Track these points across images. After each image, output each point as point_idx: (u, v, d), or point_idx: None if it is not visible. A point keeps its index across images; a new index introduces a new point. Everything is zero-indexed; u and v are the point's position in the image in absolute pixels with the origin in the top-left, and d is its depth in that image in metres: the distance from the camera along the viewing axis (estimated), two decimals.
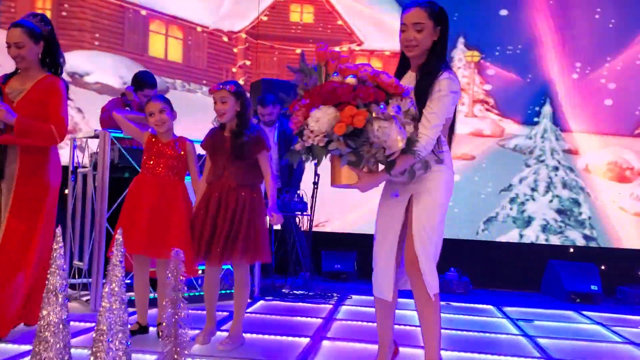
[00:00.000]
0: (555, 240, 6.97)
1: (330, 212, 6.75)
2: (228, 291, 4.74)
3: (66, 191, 4.86)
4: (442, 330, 4.14)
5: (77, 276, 4.58)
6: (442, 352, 3.48)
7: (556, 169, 7.08)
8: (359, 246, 6.52)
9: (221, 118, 3.28)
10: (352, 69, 2.43)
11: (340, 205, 6.57)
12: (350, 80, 2.39)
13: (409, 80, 2.64)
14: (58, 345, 1.90)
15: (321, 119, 2.31)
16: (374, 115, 2.30)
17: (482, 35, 7.16)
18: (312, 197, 5.84)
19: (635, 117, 6.99)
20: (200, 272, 4.83)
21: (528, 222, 7.03)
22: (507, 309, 5.17)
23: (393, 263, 2.66)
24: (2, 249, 3.21)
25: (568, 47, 7.06)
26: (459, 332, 4.12)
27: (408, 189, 2.64)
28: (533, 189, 7.07)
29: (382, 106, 2.32)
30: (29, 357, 1.92)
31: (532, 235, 6.99)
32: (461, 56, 7.19)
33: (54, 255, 1.95)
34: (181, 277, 2.18)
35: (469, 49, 7.18)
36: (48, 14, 6.20)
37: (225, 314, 4.26)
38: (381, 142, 2.31)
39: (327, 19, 7.32)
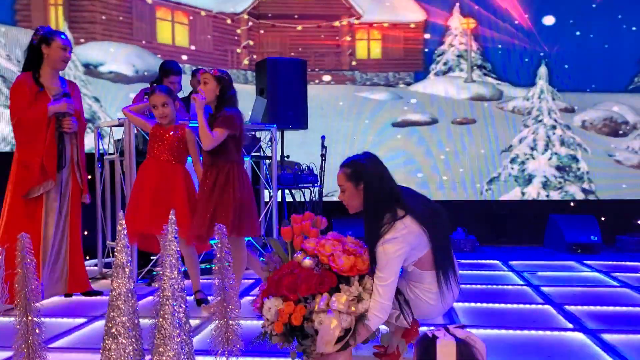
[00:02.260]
0: (555, 195, 7.29)
1: None
2: None
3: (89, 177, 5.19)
4: None
5: (110, 255, 4.92)
6: (455, 304, 3.82)
7: (554, 127, 7.36)
8: None
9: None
10: (311, 249, 2.39)
11: None
12: (307, 263, 2.37)
13: None
14: (129, 311, 2.23)
15: (271, 309, 2.33)
16: (315, 308, 2.27)
17: (477, 1, 7.36)
18: (321, 168, 6.16)
19: (628, 73, 7.23)
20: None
21: (529, 180, 7.33)
22: (513, 263, 5.51)
23: None
24: (72, 222, 3.99)
25: (561, 8, 7.27)
26: (468, 286, 4.45)
27: None
28: (532, 148, 7.36)
29: (323, 299, 2.28)
30: (105, 322, 2.25)
31: (533, 192, 7.31)
32: (457, 24, 7.40)
33: (120, 236, 2.27)
34: (226, 248, 2.51)
35: (464, 16, 7.39)
36: (60, 9, 6.44)
37: (251, 281, 4.62)
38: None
39: None
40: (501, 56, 7.42)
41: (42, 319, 2.32)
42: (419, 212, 2.47)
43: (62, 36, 3.86)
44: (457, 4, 7.38)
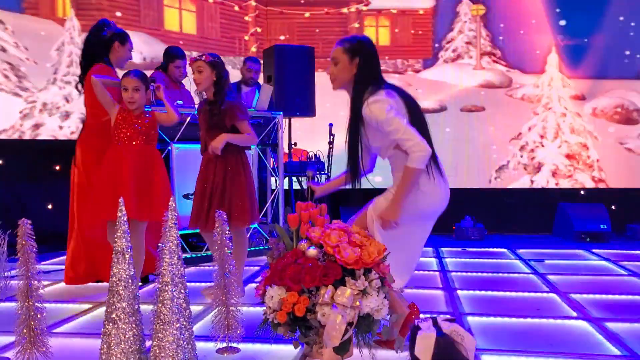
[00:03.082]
0: (565, 184, 7.22)
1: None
2: (256, 248, 5.10)
3: None
4: (459, 273, 4.51)
5: None
6: (459, 292, 3.82)
7: (564, 115, 7.28)
8: None
9: (197, 87, 3.52)
10: (316, 238, 2.37)
11: None
12: (311, 252, 2.34)
13: None
14: (129, 297, 2.24)
15: (274, 298, 2.32)
16: (320, 301, 2.25)
17: None
18: (328, 156, 6.15)
19: None
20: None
21: (538, 168, 7.27)
22: (520, 251, 5.47)
23: None
24: None
25: None
26: (474, 274, 4.45)
27: None
28: (542, 136, 7.29)
29: (327, 292, 2.25)
30: (105, 308, 2.27)
31: (542, 180, 7.25)
32: (467, 10, 7.33)
33: (119, 221, 2.27)
34: (227, 234, 2.52)
35: (474, 2, 7.31)
36: None
37: (257, 268, 4.63)
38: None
39: None
40: (511, 43, 7.34)
41: (46, 304, 2.34)
42: (399, 90, 2.71)
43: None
44: None
